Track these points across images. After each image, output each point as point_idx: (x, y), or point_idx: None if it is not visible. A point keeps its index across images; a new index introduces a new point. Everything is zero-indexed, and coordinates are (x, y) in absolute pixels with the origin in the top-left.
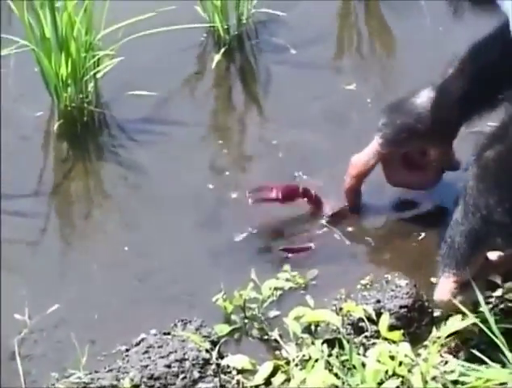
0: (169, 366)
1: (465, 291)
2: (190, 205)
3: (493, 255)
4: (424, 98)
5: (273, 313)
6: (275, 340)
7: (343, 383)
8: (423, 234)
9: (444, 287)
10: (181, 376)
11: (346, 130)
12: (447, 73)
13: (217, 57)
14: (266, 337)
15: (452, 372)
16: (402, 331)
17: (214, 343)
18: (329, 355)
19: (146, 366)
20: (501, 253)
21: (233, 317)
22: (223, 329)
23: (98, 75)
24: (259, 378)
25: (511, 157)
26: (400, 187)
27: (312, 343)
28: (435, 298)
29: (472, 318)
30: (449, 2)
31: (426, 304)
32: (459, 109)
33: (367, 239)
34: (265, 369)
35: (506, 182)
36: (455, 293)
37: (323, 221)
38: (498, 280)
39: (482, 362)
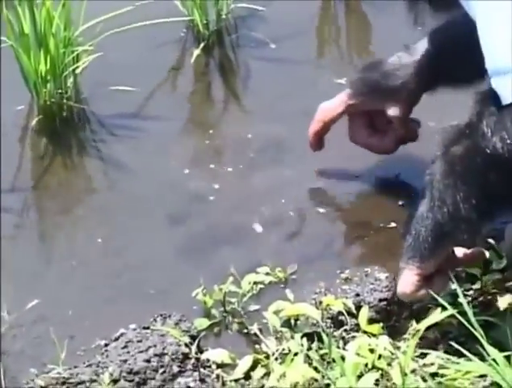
0: (148, 361)
1: (427, 284)
2: (170, 200)
3: (459, 250)
4: (396, 59)
5: (253, 307)
6: (255, 334)
7: (323, 377)
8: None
9: (407, 279)
10: (160, 370)
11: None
12: (421, 40)
13: (196, 52)
14: (245, 331)
15: (432, 364)
16: (382, 325)
17: (193, 338)
18: (309, 348)
19: (125, 361)
20: (466, 250)
21: (213, 311)
22: (202, 323)
23: (78, 71)
24: (239, 372)
25: (478, 154)
26: (360, 146)
27: (292, 337)
28: (398, 290)
29: (450, 311)
30: (409, 9)
31: None
32: (427, 75)
33: (345, 232)
34: (244, 363)
35: (473, 179)
36: (418, 286)
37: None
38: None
39: (461, 355)
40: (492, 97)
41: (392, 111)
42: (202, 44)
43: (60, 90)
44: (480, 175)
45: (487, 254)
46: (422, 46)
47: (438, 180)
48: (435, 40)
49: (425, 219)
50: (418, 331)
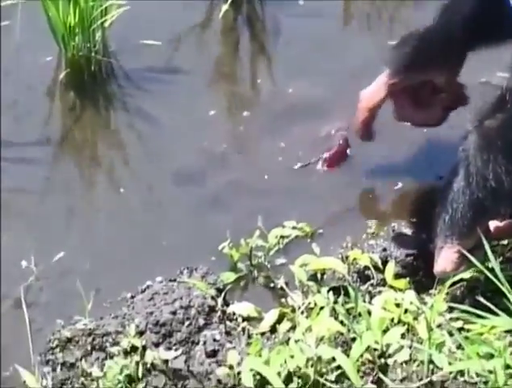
0: (174, 313)
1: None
2: (197, 154)
3: (493, 224)
4: (431, 27)
5: (279, 261)
6: (281, 288)
7: (348, 330)
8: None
9: (447, 257)
10: (186, 323)
11: (355, 80)
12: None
13: (225, 8)
14: (272, 285)
15: (458, 319)
16: (408, 279)
17: (220, 291)
18: (335, 302)
19: (151, 313)
20: (499, 223)
21: (239, 265)
22: (229, 277)
23: (106, 24)
24: (265, 325)
25: None
26: (408, 123)
27: (318, 291)
28: (438, 269)
29: (478, 266)
30: None
31: (431, 252)
32: (467, 35)
33: (373, 188)
34: (271, 316)
35: None
36: (458, 263)
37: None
38: None
39: (488, 310)
40: None
41: (439, 79)
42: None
43: (88, 44)
44: None
45: None
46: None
47: (473, 155)
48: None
49: (462, 196)
50: (444, 285)
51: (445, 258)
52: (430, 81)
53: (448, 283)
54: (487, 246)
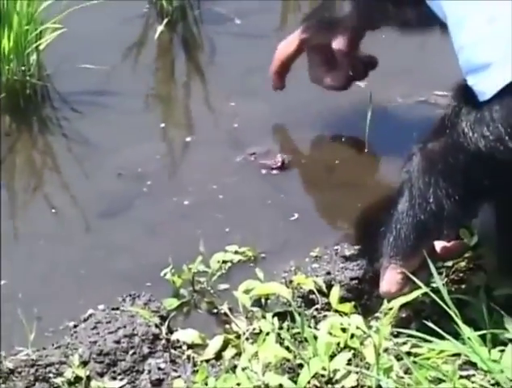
0: (118, 342)
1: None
2: (136, 175)
3: (438, 244)
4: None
5: (222, 286)
6: (225, 314)
7: (295, 356)
8: (374, 205)
9: (392, 278)
10: (130, 351)
11: (290, 98)
12: None
13: (160, 28)
14: (215, 311)
15: (405, 343)
16: (353, 303)
17: (163, 318)
18: (280, 328)
19: (95, 342)
20: (446, 243)
21: (182, 291)
22: (172, 303)
23: (41, 47)
24: (210, 352)
25: (459, 151)
26: (319, 85)
27: (263, 317)
28: (383, 290)
29: (424, 289)
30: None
31: (377, 275)
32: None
33: (315, 209)
34: (215, 343)
35: (455, 175)
36: (403, 284)
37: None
38: None
39: (435, 333)
40: (468, 93)
41: (336, 44)
42: (165, 20)
43: (23, 68)
44: (461, 171)
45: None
46: None
47: (416, 177)
48: None
49: (406, 217)
50: (391, 309)
51: (390, 279)
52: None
53: (394, 306)
54: (433, 269)
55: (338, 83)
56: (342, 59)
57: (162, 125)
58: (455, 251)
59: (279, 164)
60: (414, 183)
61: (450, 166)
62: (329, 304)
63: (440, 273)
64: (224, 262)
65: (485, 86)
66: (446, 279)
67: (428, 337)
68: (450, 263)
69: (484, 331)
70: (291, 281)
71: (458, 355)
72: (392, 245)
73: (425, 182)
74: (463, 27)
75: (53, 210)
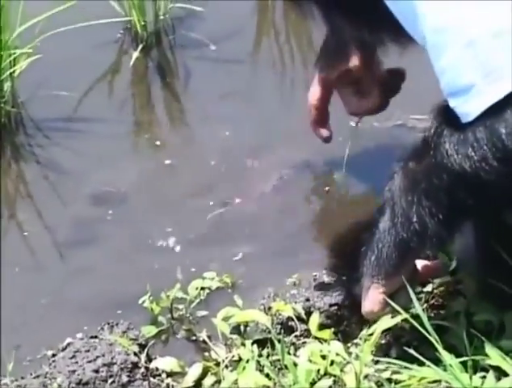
0: (97, 371)
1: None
2: (111, 200)
3: (419, 263)
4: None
5: (201, 313)
6: (204, 341)
7: (275, 384)
8: (351, 229)
9: (374, 298)
10: (109, 380)
11: (265, 122)
12: None
13: (135, 55)
14: (194, 338)
15: (385, 370)
16: (333, 330)
17: (142, 346)
18: (260, 355)
19: (74, 371)
20: (427, 262)
21: (161, 318)
22: (150, 330)
23: (15, 74)
24: (189, 380)
25: (442, 171)
26: (357, 115)
27: (242, 344)
28: (365, 309)
29: (403, 315)
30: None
31: (356, 301)
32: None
33: (293, 235)
34: (194, 370)
35: (438, 194)
36: (385, 303)
37: None
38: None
39: (415, 359)
40: (450, 115)
41: (352, 63)
42: (140, 46)
43: None
44: (445, 190)
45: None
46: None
47: (399, 196)
48: None
49: (388, 236)
50: (371, 335)
51: (372, 298)
52: (367, 71)
53: (375, 333)
54: (412, 295)
55: (375, 105)
56: (367, 80)
57: (137, 151)
58: (436, 271)
59: (256, 193)
60: (396, 202)
61: (433, 186)
62: (308, 331)
63: (420, 299)
64: (203, 289)
65: (468, 108)
66: (425, 304)
67: (408, 364)
68: (429, 288)
69: (465, 358)
70: (269, 308)
71: (439, 381)
72: (373, 264)
73: (408, 200)
74: (443, 51)
75: (27, 236)
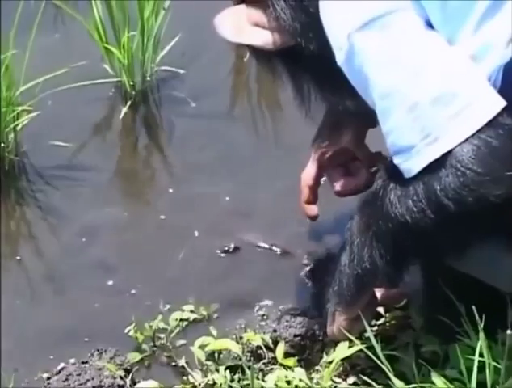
0: None
1: (355, 324)
2: (106, 240)
3: (378, 291)
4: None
5: (180, 342)
6: (183, 367)
7: None
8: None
9: (336, 323)
10: None
11: (241, 174)
12: None
13: (124, 110)
14: (174, 364)
15: None
16: (297, 358)
17: (127, 371)
18: (232, 380)
19: None
20: (386, 291)
21: (144, 346)
22: (135, 357)
23: (18, 127)
24: None
25: (388, 219)
26: (344, 195)
27: (216, 370)
28: (329, 332)
29: (358, 345)
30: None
31: (317, 332)
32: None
33: (261, 271)
34: None
35: (386, 239)
36: (347, 327)
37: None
38: (382, 311)
39: (369, 385)
40: (395, 170)
41: (344, 140)
42: (129, 103)
43: (2, 145)
44: (391, 235)
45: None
46: None
47: (355, 236)
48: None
49: (346, 270)
50: (331, 363)
51: (335, 324)
52: (357, 150)
53: (334, 360)
54: (368, 328)
55: (363, 184)
56: (356, 160)
57: (126, 197)
58: (394, 299)
59: (231, 247)
60: (353, 241)
61: (382, 231)
62: (275, 358)
63: (374, 330)
64: (182, 320)
65: (409, 166)
66: (379, 336)
67: None
68: (382, 321)
69: (413, 385)
70: (241, 338)
71: None
72: (336, 293)
73: (362, 241)
74: (388, 115)
75: (26, 271)
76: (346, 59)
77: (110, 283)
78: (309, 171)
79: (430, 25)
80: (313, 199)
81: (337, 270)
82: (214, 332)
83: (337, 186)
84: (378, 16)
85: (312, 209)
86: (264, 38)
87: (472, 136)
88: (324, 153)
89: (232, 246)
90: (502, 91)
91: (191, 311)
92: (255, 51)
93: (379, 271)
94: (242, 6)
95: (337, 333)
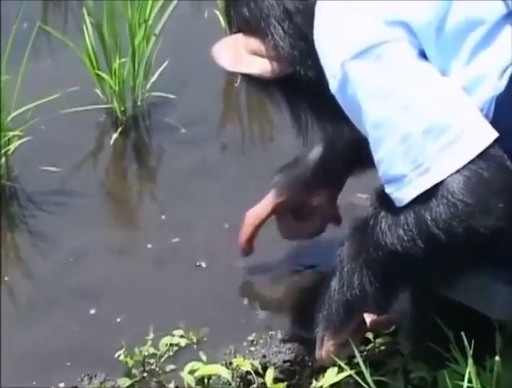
0: None
1: (343, 349)
2: (94, 269)
3: (367, 317)
4: (315, 152)
5: (170, 367)
6: None
7: None
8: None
9: (325, 347)
10: None
11: (231, 200)
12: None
13: (115, 136)
14: None
15: None
16: (286, 383)
17: None
18: None
19: None
20: (375, 316)
21: (134, 371)
22: (125, 382)
23: (9, 152)
24: None
25: (378, 247)
26: (292, 239)
27: None
28: (317, 357)
29: (348, 371)
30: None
31: (307, 358)
32: (344, 163)
33: (252, 297)
34: None
35: (375, 266)
36: (335, 352)
37: None
38: (371, 337)
39: None
40: (387, 198)
41: (320, 198)
42: (120, 129)
43: None
44: (381, 263)
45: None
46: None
47: (346, 262)
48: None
49: (335, 296)
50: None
51: (324, 349)
52: (310, 199)
53: (323, 385)
54: (357, 353)
55: (317, 229)
56: (308, 206)
57: (115, 222)
58: (382, 325)
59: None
60: (344, 267)
61: (372, 258)
62: (264, 384)
63: (363, 356)
64: (172, 345)
65: (401, 195)
66: (368, 361)
67: None
68: (371, 347)
69: None
70: (230, 363)
71: None
72: (325, 318)
73: (352, 268)
74: (381, 144)
75: (18, 299)
76: (339, 87)
77: (97, 308)
78: (258, 212)
79: (423, 55)
80: (254, 237)
81: (326, 295)
82: (204, 357)
83: (287, 231)
84: (372, 46)
85: (249, 247)
86: (262, 66)
87: (464, 167)
88: (283, 202)
89: (220, 270)
90: (495, 123)
91: (181, 336)
92: (253, 80)
93: (369, 297)
94: (240, 35)
95: (325, 358)
